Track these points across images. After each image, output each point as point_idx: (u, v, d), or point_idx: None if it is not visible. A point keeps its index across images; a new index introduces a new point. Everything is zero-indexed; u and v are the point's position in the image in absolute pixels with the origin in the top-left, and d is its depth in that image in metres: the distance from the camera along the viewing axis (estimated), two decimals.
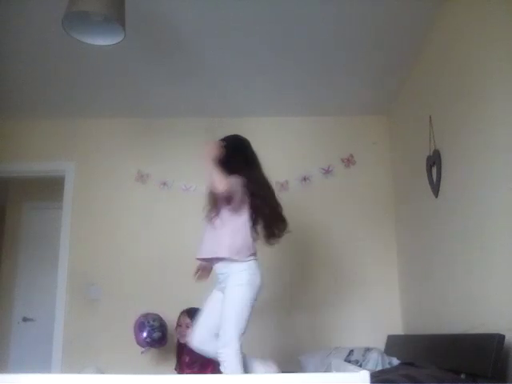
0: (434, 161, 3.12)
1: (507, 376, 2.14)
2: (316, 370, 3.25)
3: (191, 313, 3.38)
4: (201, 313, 2.86)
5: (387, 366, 3.05)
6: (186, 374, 3.27)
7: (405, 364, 2.93)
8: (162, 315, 3.80)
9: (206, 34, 3.32)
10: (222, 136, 2.89)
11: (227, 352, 2.54)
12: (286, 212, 4.24)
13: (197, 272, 2.94)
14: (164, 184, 4.30)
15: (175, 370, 3.57)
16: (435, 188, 3.13)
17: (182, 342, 3.46)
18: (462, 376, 2.28)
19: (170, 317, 3.68)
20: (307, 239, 4.24)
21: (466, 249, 2.71)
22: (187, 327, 3.32)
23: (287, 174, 4.36)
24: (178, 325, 3.57)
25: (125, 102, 4.27)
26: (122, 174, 4.42)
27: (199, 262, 2.89)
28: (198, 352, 2.81)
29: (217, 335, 2.62)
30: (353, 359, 3.25)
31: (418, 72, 3.55)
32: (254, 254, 2.70)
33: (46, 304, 4.69)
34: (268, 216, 2.77)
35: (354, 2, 2.99)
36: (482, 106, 2.50)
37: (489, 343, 2.15)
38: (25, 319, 5.22)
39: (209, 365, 3.19)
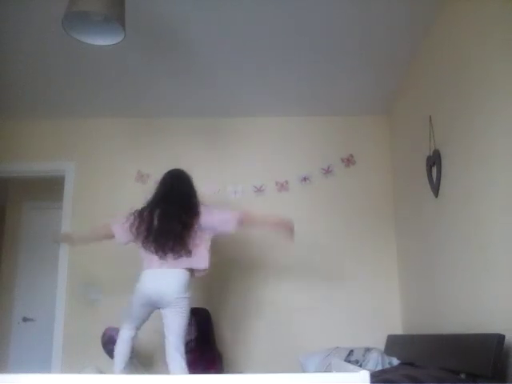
0: (434, 161, 3.12)
1: (507, 376, 2.14)
2: (316, 370, 3.25)
3: (192, 312, 3.38)
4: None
5: (387, 366, 3.05)
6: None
7: (405, 364, 2.94)
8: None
9: (206, 34, 3.32)
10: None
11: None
12: (286, 212, 4.27)
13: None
14: None
15: None
16: (435, 188, 3.13)
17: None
18: (462, 376, 2.28)
19: None
20: (307, 239, 4.24)
21: (465, 248, 2.71)
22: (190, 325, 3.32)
23: (287, 173, 4.36)
24: None
25: (125, 102, 4.27)
26: (122, 174, 4.42)
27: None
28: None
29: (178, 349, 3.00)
30: (353, 359, 3.24)
31: (418, 72, 3.55)
32: (147, 268, 3.19)
33: (46, 304, 4.69)
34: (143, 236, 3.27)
35: (354, 1, 2.99)
36: (481, 105, 2.50)
37: (489, 343, 2.15)
38: (25, 319, 5.22)
39: (212, 365, 3.19)
